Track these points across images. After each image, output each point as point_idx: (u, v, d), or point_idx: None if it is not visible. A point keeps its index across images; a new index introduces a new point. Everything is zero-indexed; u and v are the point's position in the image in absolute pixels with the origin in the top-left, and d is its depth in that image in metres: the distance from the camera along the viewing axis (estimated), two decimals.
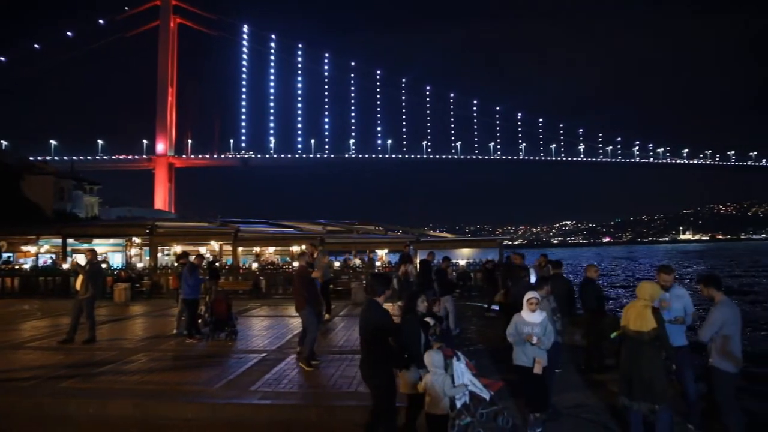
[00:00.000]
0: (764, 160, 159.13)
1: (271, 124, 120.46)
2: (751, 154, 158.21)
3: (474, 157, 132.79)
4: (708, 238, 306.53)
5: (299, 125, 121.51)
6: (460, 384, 5.43)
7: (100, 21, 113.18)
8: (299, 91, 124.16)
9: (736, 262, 71.19)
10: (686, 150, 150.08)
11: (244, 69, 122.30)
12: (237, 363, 9.26)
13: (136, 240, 25.81)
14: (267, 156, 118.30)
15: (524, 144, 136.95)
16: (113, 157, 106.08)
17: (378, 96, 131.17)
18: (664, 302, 6.12)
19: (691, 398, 6.32)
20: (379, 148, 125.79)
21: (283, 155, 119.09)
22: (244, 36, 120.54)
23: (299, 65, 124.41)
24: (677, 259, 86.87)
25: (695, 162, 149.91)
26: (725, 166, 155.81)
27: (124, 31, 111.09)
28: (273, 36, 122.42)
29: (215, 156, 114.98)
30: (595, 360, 8.90)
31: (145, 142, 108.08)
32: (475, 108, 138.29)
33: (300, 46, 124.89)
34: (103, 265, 23.02)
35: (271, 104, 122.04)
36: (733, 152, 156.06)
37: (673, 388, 6.28)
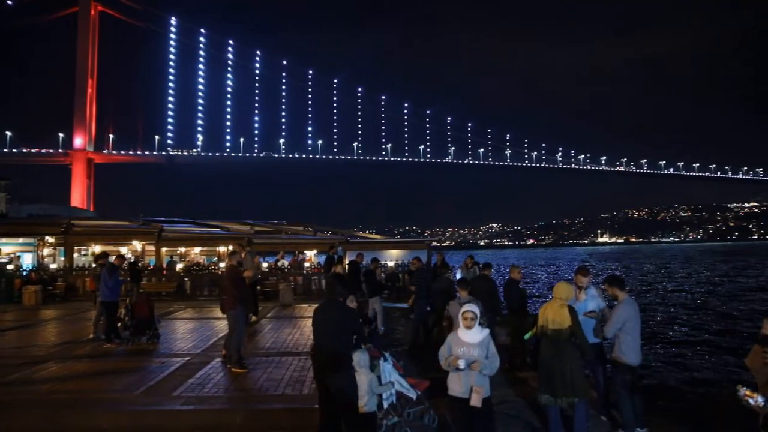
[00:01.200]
0: (671, 168, 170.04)
1: (199, 122, 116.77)
2: (660, 163, 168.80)
3: (404, 159, 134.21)
4: (623, 240, 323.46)
5: (228, 123, 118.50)
6: (386, 383, 5.47)
7: (8, 1, 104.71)
8: (228, 89, 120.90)
9: (646, 263, 75.36)
10: (604, 157, 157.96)
11: (171, 63, 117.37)
12: (159, 368, 8.88)
13: (50, 239, 24.38)
14: (194, 154, 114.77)
15: (453, 147, 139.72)
16: (24, 150, 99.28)
17: (309, 96, 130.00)
18: (586, 313, 6.44)
19: (603, 391, 6.75)
20: (310, 149, 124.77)
21: (211, 153, 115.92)
22: (172, 29, 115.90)
23: (229, 62, 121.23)
24: (595, 260, 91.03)
25: (611, 169, 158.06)
26: (638, 174, 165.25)
27: (37, 14, 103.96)
28: (202, 30, 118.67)
29: (138, 153, 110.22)
30: (518, 358, 9.18)
31: (61, 135, 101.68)
32: (405, 111, 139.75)
33: (231, 42, 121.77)
34: (10, 267, 21.62)
35: (200, 101, 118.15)
36: (645, 161, 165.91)
37: (589, 383, 6.59)
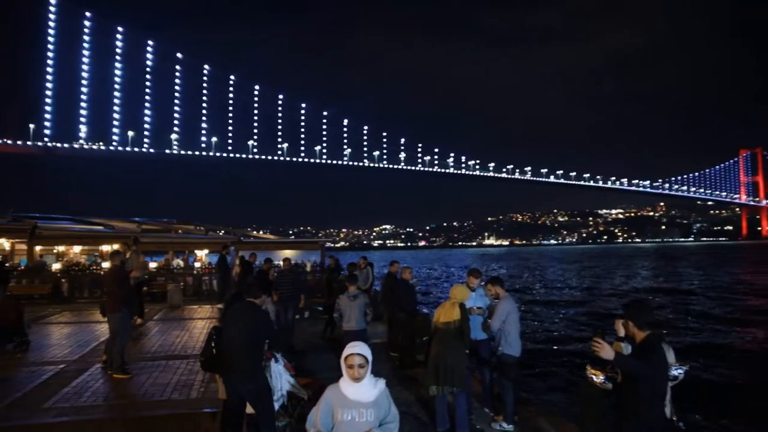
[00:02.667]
0: (552, 177, 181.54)
1: (83, 112, 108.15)
2: (542, 170, 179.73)
3: (300, 159, 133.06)
4: (508, 243, 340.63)
5: (116, 116, 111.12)
6: (276, 388, 5.37)
7: None
8: (117, 79, 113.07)
9: (527, 264, 79.88)
10: (492, 164, 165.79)
11: (50, 47, 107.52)
12: (28, 378, 8.08)
13: None
14: (76, 146, 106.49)
15: (349, 149, 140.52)
16: None
17: (204, 92, 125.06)
18: (474, 309, 6.76)
19: (487, 384, 7.07)
20: (204, 146, 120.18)
21: (95, 146, 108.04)
22: (51, 9, 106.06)
23: (118, 50, 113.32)
24: (483, 262, 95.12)
25: (496, 175, 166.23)
26: (522, 180, 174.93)
27: None
28: (88, 14, 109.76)
29: (9, 142, 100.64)
30: (408, 356, 9.36)
31: None
32: (303, 111, 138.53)
33: (120, 29, 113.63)
34: None
35: (83, 90, 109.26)
36: (529, 168, 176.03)
37: (472, 375, 6.97)
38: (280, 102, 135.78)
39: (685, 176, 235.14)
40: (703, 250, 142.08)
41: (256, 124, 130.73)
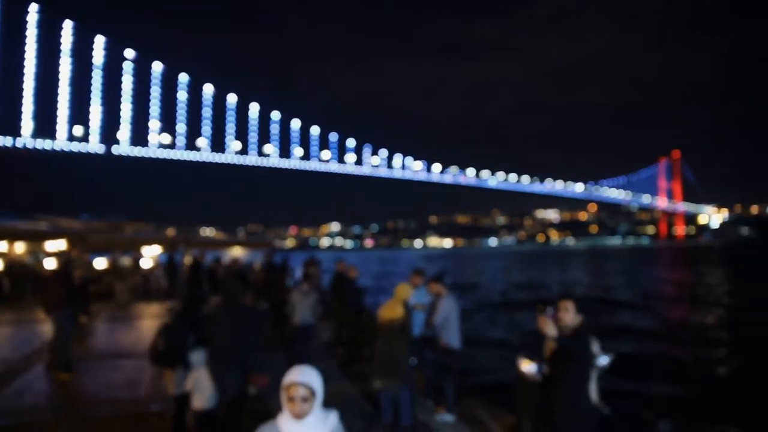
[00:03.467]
0: (493, 179, 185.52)
1: (27, 107, 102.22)
2: (483, 172, 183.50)
3: (249, 159, 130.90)
4: (450, 243, 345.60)
5: (62, 112, 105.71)
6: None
7: None
8: (62, 73, 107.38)
9: (468, 264, 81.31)
10: (437, 165, 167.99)
11: None
12: None
13: None
14: (18, 142, 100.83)
15: (298, 149, 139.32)
16: None
17: (154, 89, 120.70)
18: (417, 305, 6.85)
19: (429, 378, 7.20)
20: (153, 144, 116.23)
21: (40, 142, 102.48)
22: None
23: (65, 45, 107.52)
24: (427, 262, 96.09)
25: (441, 178, 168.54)
26: (465, 182, 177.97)
27: None
28: (34, 7, 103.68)
29: None
30: (355, 352, 9.38)
31: None
32: (253, 111, 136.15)
33: (67, 24, 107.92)
34: None
35: (24, 82, 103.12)
36: (471, 169, 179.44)
37: (415, 369, 7.02)
38: (230, 102, 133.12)
39: (613, 180, 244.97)
40: (628, 250, 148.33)
41: (206, 123, 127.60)
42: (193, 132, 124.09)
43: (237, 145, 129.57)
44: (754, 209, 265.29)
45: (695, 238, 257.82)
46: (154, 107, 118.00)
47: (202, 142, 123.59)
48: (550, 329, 3.70)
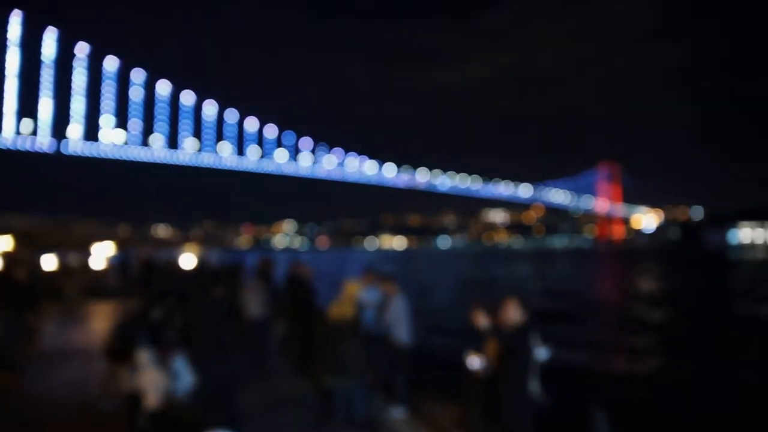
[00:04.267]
0: (444, 180, 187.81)
1: None
2: (435, 174, 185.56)
3: (204, 157, 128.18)
4: (404, 243, 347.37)
5: (8, 107, 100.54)
6: (176, 386, 5.21)
7: None
8: (9, 66, 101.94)
9: (420, 264, 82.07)
10: (390, 165, 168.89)
11: None
12: None
13: None
14: None
15: (253, 149, 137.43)
16: None
17: (106, 85, 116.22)
18: (369, 304, 6.96)
19: (381, 374, 7.29)
20: (104, 141, 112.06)
21: None
22: None
23: (14, 37, 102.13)
24: (380, 261, 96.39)
25: (395, 177, 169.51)
26: (417, 183, 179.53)
27: None
28: None
29: None
30: (307, 350, 9.34)
31: None
32: (208, 110, 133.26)
33: (17, 14, 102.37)
34: None
35: None
36: (428, 170, 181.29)
37: (368, 367, 7.09)
38: (186, 100, 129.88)
39: (557, 183, 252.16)
40: (571, 250, 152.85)
41: (160, 121, 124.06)
42: (148, 129, 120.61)
43: (192, 144, 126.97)
44: (685, 213, 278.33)
45: (632, 240, 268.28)
46: (107, 103, 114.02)
47: (157, 139, 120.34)
48: (483, 322, 3.85)
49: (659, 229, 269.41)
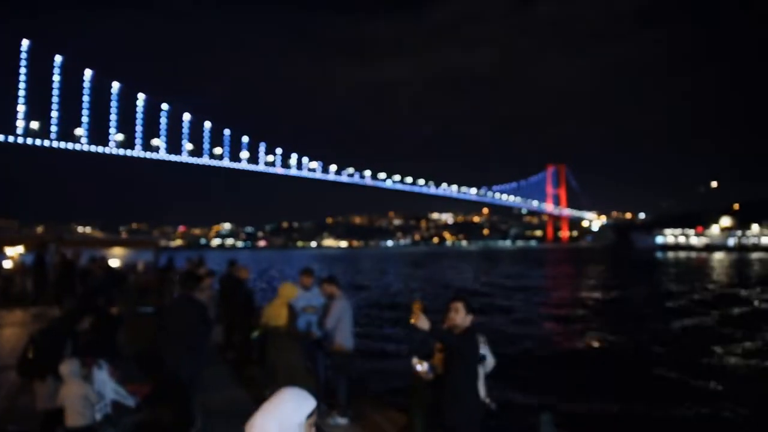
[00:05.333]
0: (390, 180, 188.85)
1: None
2: (380, 175, 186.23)
3: (135, 152, 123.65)
4: (346, 244, 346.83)
5: None
6: (99, 399, 4.95)
7: None
8: None
9: (363, 265, 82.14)
10: (334, 166, 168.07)
11: None
12: None
13: None
14: None
15: (188, 145, 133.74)
16: None
17: (24, 72, 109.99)
18: (307, 308, 6.88)
19: (322, 380, 7.18)
20: (21, 131, 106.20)
21: None
22: None
23: None
24: (322, 262, 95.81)
25: (338, 178, 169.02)
26: (362, 184, 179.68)
27: None
28: None
29: None
30: (245, 356, 9.14)
31: None
32: (140, 102, 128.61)
33: None
34: None
35: None
36: (368, 171, 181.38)
37: (309, 373, 6.97)
38: (114, 90, 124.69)
39: (504, 186, 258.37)
40: (518, 252, 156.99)
41: (85, 112, 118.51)
42: (70, 120, 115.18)
43: (121, 138, 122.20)
44: (628, 216, 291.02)
45: (578, 241, 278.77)
46: (22, 90, 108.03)
47: (80, 131, 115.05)
48: (422, 323, 3.82)
49: (602, 229, 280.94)
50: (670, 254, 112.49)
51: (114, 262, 22.16)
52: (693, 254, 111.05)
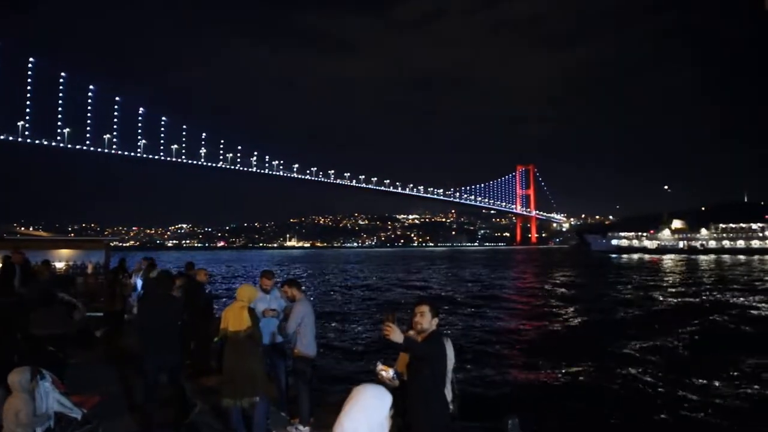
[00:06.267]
0: (354, 181, 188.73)
1: None
2: (345, 174, 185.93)
3: (84, 147, 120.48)
4: (309, 245, 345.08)
5: None
6: (41, 414, 4.79)
7: None
8: None
9: (328, 266, 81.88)
10: (296, 165, 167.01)
11: None
12: None
13: None
14: None
15: (143, 141, 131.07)
16: None
17: None
18: (268, 311, 6.84)
19: (283, 388, 7.16)
20: None
21: None
22: None
23: None
24: (283, 263, 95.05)
25: (301, 177, 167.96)
26: (324, 183, 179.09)
27: None
28: None
29: None
30: (202, 363, 9.00)
31: None
32: (90, 94, 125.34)
33: None
34: None
35: None
36: (332, 171, 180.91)
37: (270, 381, 6.90)
38: (61, 81, 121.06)
39: (472, 187, 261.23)
40: (486, 253, 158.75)
41: (29, 104, 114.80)
42: (11, 112, 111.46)
43: (71, 131, 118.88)
44: (598, 218, 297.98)
45: (547, 243, 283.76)
46: None
47: (22, 124, 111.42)
48: (396, 336, 3.83)
49: (569, 232, 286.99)
50: (624, 256, 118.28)
51: (60, 264, 21.57)
52: (646, 256, 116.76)
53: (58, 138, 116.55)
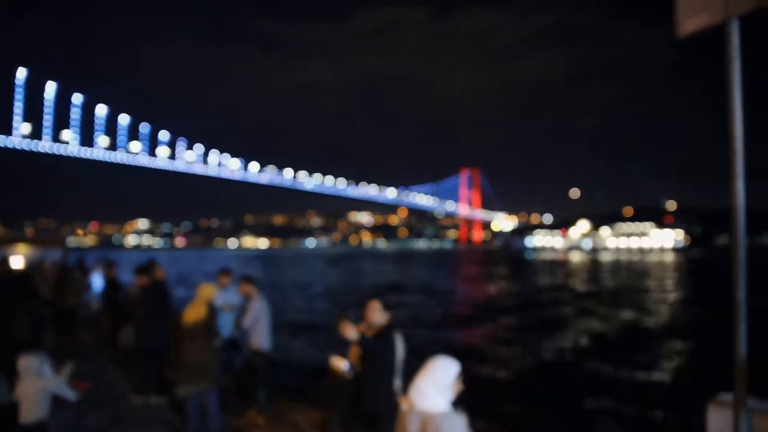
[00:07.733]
0: (310, 180, 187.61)
1: None
2: (300, 173, 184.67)
3: (42, 144, 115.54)
4: (267, 243, 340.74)
5: None
6: (48, 396, 4.72)
7: None
8: None
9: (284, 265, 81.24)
10: (256, 164, 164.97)
11: None
12: None
13: None
14: None
15: (102, 138, 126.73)
16: None
17: None
18: (225, 306, 6.84)
19: (239, 380, 7.16)
20: None
21: None
22: None
23: None
24: (240, 262, 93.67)
25: (258, 178, 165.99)
26: (282, 183, 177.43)
27: None
28: None
29: None
30: (166, 359, 8.79)
31: None
32: (50, 91, 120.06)
33: None
34: None
35: None
36: (289, 170, 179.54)
37: (224, 372, 6.84)
38: (20, 77, 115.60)
39: (422, 187, 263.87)
40: (432, 252, 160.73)
41: None
42: None
43: (27, 128, 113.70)
44: (536, 218, 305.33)
45: (490, 243, 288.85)
46: None
47: None
48: (351, 333, 3.90)
49: (513, 232, 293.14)
50: (538, 255, 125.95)
51: (17, 262, 20.60)
52: (556, 255, 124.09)
53: (16, 133, 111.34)
